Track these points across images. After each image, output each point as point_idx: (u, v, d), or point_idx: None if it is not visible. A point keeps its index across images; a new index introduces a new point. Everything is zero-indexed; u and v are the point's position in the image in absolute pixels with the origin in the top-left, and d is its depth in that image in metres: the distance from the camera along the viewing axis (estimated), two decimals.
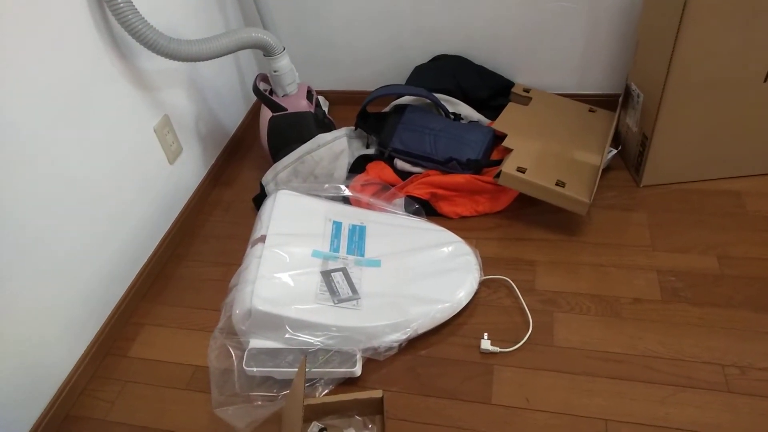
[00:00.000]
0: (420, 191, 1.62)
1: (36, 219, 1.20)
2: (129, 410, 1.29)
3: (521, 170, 1.51)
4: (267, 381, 1.26)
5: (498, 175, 1.52)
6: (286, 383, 1.25)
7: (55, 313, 1.28)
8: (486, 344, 1.30)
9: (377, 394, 1.18)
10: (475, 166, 1.62)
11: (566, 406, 1.18)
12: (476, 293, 1.41)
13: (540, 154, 1.59)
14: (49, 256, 1.24)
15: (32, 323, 1.21)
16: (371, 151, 1.76)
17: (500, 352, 1.30)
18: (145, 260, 1.57)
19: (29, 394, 1.22)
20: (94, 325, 1.40)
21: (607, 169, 1.71)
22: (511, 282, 1.44)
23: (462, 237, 1.51)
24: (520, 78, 1.93)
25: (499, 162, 1.65)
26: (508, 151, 1.61)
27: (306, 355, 1.10)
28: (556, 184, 1.49)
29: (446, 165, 1.63)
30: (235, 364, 1.26)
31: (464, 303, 1.37)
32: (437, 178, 1.62)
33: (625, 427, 1.13)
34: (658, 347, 1.26)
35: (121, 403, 1.31)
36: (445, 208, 1.64)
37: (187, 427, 1.24)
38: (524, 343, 1.31)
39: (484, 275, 1.45)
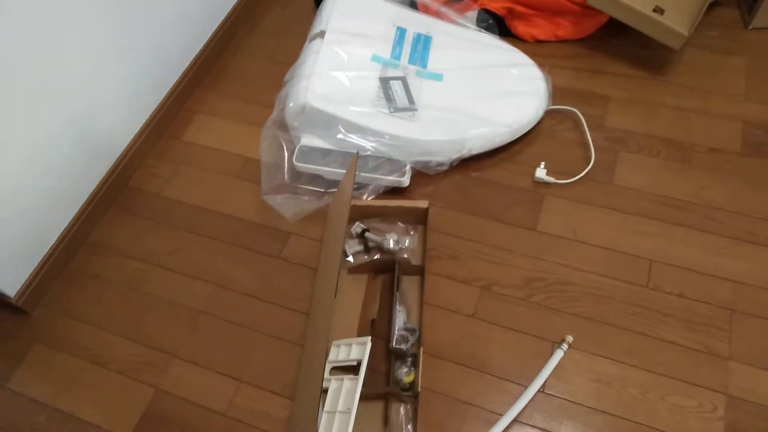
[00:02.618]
0: (496, 4, 1.46)
1: None
2: (182, 189, 1.34)
3: None
4: (315, 179, 1.27)
5: None
6: (333, 183, 1.26)
7: (116, 84, 1.27)
8: (541, 173, 1.25)
9: (423, 204, 1.18)
10: None
11: (613, 242, 1.16)
12: (540, 122, 1.32)
13: None
14: (107, 29, 1.20)
15: (95, 91, 1.22)
16: None
17: (554, 182, 1.25)
18: (200, 48, 1.52)
19: (92, 158, 1.27)
20: (151, 103, 1.40)
21: (714, 4, 1.49)
22: (579, 114, 1.34)
23: (535, 62, 1.38)
24: None
25: None
26: None
27: (357, 155, 1.08)
28: (654, 10, 1.31)
29: None
30: (286, 157, 1.26)
31: (525, 129, 1.30)
32: None
33: (669, 270, 1.11)
34: (725, 199, 1.18)
35: (175, 182, 1.35)
36: (520, 28, 1.49)
37: (237, 210, 1.29)
38: (582, 177, 1.25)
39: (552, 105, 1.35)
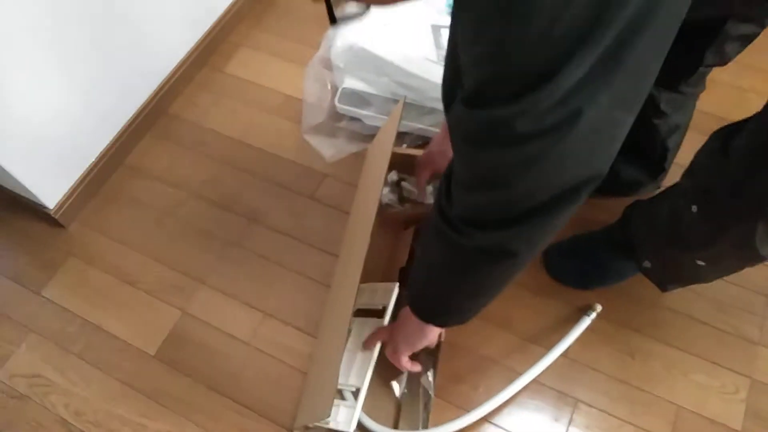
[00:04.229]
0: None
1: None
2: (221, 121, 1.34)
3: None
4: (356, 122, 1.25)
5: None
6: (373, 128, 1.24)
7: (163, 11, 1.26)
8: None
9: None
10: None
11: None
12: None
13: None
14: None
15: (145, 16, 1.20)
16: None
17: None
18: None
19: (136, 82, 1.27)
20: (196, 34, 1.39)
21: None
22: None
23: None
24: None
25: None
26: None
27: (404, 101, 1.06)
28: None
29: None
30: (329, 98, 1.24)
31: None
32: None
33: None
34: None
35: (214, 113, 1.35)
36: None
37: (273, 147, 1.28)
38: None
39: None
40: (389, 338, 0.92)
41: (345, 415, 0.92)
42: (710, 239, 0.79)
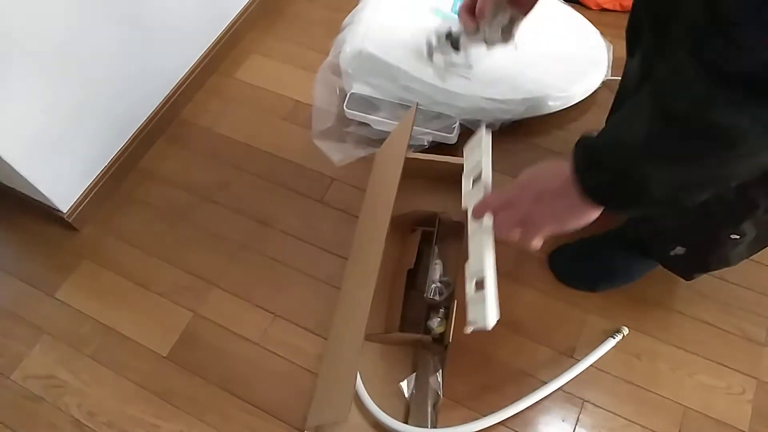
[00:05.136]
0: None
1: None
2: (231, 126, 1.36)
3: None
4: (364, 127, 1.27)
5: None
6: (381, 132, 1.26)
7: (177, 16, 1.28)
8: None
9: None
10: None
11: None
12: (596, 91, 1.30)
13: None
14: None
15: (158, 21, 1.23)
16: None
17: None
18: None
19: (149, 87, 1.29)
20: (207, 39, 1.41)
21: None
22: None
23: (598, 30, 1.35)
24: None
25: None
26: None
27: (417, 107, 1.08)
28: None
29: None
30: (337, 103, 1.26)
31: (581, 97, 1.27)
32: None
33: None
34: None
35: (225, 119, 1.37)
36: None
37: (283, 151, 1.30)
38: None
39: (612, 75, 1.32)
40: (516, 207, 0.68)
41: (476, 313, 0.71)
42: (749, 211, 0.77)
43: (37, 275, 1.19)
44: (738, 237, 0.84)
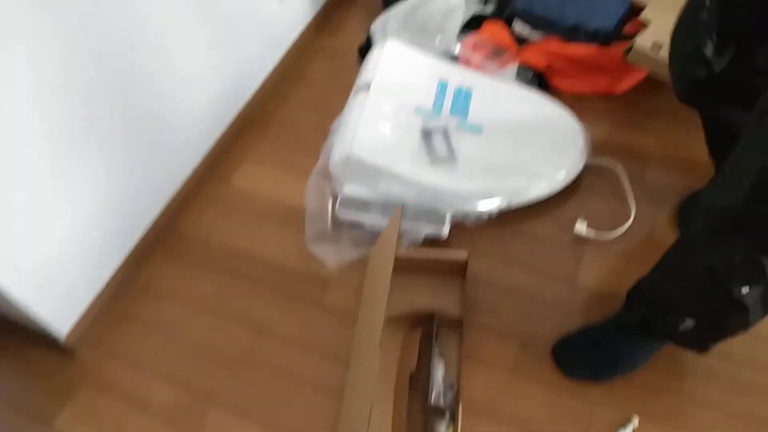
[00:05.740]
0: (536, 59, 1.50)
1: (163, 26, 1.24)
2: (228, 234, 1.38)
3: (657, 46, 1.34)
4: (357, 227, 1.29)
5: (629, 50, 1.36)
6: (374, 232, 1.28)
7: (175, 128, 1.34)
8: (581, 227, 1.25)
9: (462, 254, 1.18)
10: (603, 38, 1.45)
11: None
12: (579, 176, 1.33)
13: None
14: (171, 74, 1.29)
15: (159, 136, 1.28)
16: (489, 9, 1.62)
17: (595, 237, 1.25)
18: (249, 96, 1.59)
19: (143, 203, 1.32)
20: (201, 151, 1.46)
21: None
22: (620, 167, 1.34)
23: (574, 116, 1.40)
24: None
25: (629, 37, 1.48)
26: (644, 26, 1.43)
27: (402, 209, 1.11)
28: None
29: (571, 33, 1.48)
30: (329, 206, 1.29)
31: (564, 183, 1.31)
32: (557, 46, 1.48)
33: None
34: None
35: (221, 227, 1.39)
36: (559, 83, 1.51)
37: (279, 257, 1.32)
38: (623, 233, 1.25)
39: (592, 159, 1.36)
40: None
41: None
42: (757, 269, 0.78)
43: (34, 404, 1.17)
44: (748, 289, 0.81)
